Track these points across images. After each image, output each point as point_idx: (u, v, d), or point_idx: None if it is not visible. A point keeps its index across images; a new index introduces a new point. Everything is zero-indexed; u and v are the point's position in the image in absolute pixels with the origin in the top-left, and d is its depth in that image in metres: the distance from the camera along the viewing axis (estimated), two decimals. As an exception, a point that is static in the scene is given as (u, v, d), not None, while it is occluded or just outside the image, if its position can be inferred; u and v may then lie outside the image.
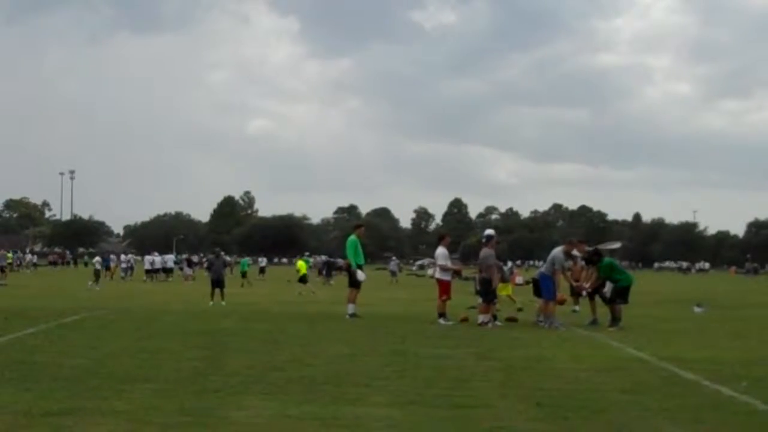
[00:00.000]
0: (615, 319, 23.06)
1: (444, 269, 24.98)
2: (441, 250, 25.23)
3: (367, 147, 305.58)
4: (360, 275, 25.66)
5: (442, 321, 23.69)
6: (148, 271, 65.27)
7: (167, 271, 66.74)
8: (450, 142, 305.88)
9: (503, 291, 27.65)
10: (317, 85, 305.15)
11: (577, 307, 29.12)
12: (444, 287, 24.62)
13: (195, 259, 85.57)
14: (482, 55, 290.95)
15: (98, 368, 13.67)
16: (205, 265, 70.35)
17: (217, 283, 33.34)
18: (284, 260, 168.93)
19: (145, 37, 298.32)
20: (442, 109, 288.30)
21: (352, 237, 26.23)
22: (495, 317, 23.79)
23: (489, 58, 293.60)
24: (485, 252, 24.29)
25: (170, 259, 71.99)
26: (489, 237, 25.02)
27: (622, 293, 23.70)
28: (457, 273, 25.52)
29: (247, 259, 66.59)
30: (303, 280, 46.20)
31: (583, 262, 26.92)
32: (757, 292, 56.64)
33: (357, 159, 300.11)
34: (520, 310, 27.15)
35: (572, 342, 19.46)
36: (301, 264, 49.36)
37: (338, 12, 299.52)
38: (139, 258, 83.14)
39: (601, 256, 24.86)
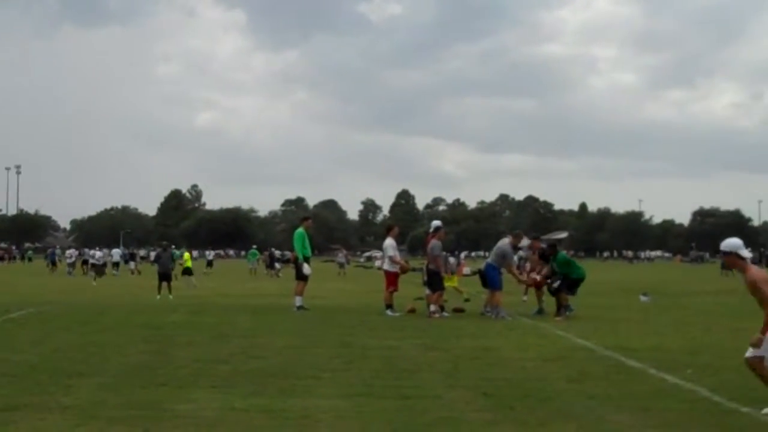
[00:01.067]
0: (561, 308, 23.22)
1: (393, 261, 25.04)
2: (389, 242, 25.28)
3: (314, 139, 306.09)
4: (306, 269, 25.65)
5: (389, 312, 23.74)
6: (92, 265, 65.09)
7: (104, 266, 66.52)
8: (397, 134, 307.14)
9: (450, 282, 27.74)
10: (264, 77, 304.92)
11: (525, 297, 29.32)
12: (391, 278, 24.70)
13: (142, 253, 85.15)
14: (428, 46, 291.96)
15: (45, 363, 13.60)
16: (152, 258, 70.05)
17: (165, 276, 33.20)
18: (231, 253, 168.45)
19: (90, 30, 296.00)
20: (389, 101, 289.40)
21: (300, 229, 26.22)
22: (442, 308, 23.87)
23: (435, 49, 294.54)
24: (433, 243, 24.39)
25: (117, 253, 71.71)
26: (436, 228, 25.09)
27: (571, 285, 23.89)
28: (403, 270, 25.51)
29: (177, 252, 66.62)
30: (187, 272, 46.30)
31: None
32: (701, 280, 57.12)
33: (304, 151, 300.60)
34: (467, 300, 27.22)
35: (519, 332, 19.58)
36: (186, 256, 49.77)
37: (284, 4, 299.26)
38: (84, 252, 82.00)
39: (557, 251, 24.97)
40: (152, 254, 76.40)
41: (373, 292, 32.50)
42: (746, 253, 10.24)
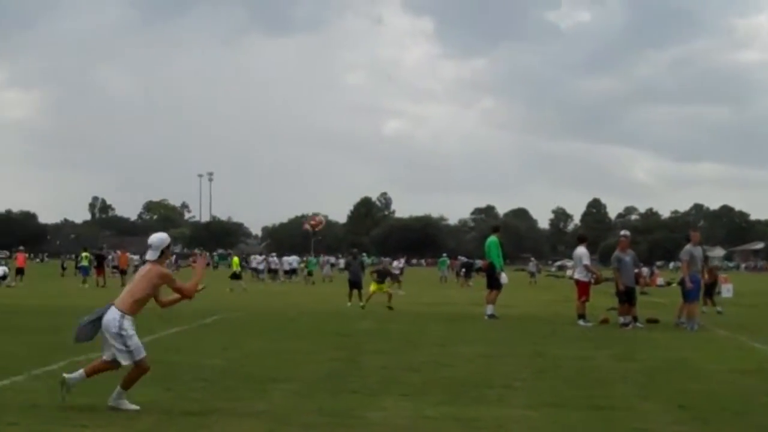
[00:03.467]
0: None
1: (588, 270, 24.68)
2: (582, 251, 24.94)
3: (503, 147, 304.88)
4: (503, 278, 25.73)
5: (581, 322, 23.45)
6: (285, 272, 66.63)
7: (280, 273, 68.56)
8: (587, 142, 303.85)
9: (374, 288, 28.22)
10: (452, 85, 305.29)
11: (704, 308, 28.59)
12: (583, 288, 24.35)
13: (332, 260, 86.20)
14: (618, 53, 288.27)
15: (236, 368, 13.81)
16: (342, 266, 70.97)
17: (355, 284, 33.31)
18: (422, 262, 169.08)
19: (277, 38, 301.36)
20: (579, 108, 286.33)
21: (494, 238, 26.16)
22: (636, 319, 23.44)
23: (625, 57, 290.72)
24: (615, 254, 24.13)
25: (295, 260, 72.51)
26: (622, 236, 24.86)
27: None
28: (596, 280, 25.11)
29: (314, 259, 68.37)
30: (236, 276, 46.75)
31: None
32: None
33: (493, 159, 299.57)
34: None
35: (715, 344, 19.15)
36: (235, 260, 50.59)
37: (473, 12, 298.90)
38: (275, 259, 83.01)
39: None
40: (341, 261, 77.58)
41: (564, 302, 32.19)
42: None
